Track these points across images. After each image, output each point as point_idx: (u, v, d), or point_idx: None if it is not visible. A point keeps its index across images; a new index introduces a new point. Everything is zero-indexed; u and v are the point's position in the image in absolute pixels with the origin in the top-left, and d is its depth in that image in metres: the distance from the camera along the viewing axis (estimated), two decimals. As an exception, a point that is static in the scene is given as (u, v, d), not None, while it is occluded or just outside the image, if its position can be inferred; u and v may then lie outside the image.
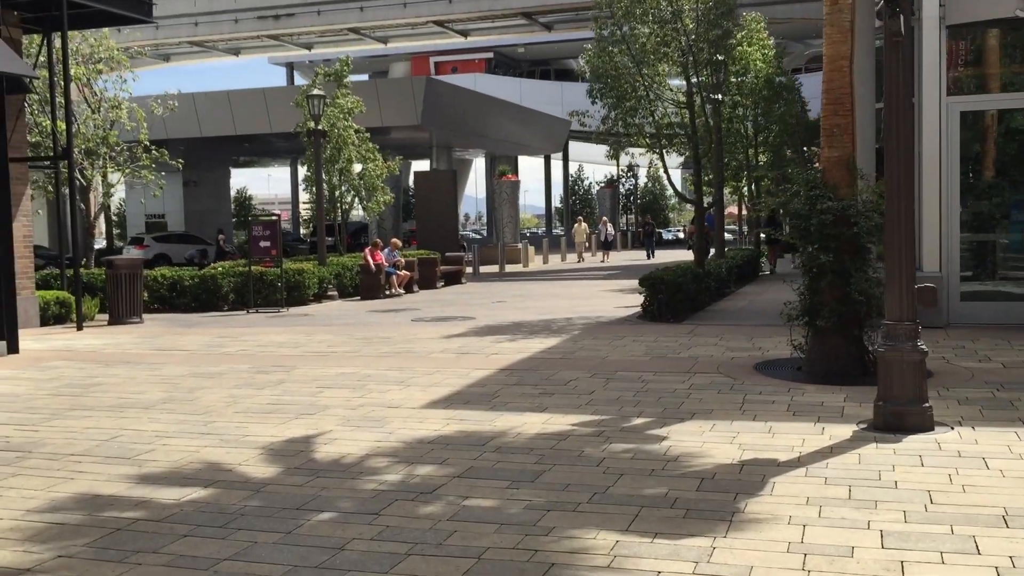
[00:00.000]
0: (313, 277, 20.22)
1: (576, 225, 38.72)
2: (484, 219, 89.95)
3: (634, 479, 5.64)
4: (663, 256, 38.57)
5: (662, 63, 14.83)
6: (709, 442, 6.47)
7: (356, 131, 24.93)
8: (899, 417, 6.57)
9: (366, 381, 9.35)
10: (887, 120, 6.80)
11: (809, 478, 5.56)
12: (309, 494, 5.55)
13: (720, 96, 15.26)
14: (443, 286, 24.51)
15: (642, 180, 63.06)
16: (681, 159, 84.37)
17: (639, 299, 18.54)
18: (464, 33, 38.21)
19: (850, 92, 8.79)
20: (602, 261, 35.76)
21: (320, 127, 21.94)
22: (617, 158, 77.03)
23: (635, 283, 23.45)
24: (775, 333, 11.76)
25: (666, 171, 15.48)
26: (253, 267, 19.13)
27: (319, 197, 22.13)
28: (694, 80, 14.71)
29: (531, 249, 35.88)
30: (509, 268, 32.62)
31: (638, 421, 7.21)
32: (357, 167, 25.42)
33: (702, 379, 8.82)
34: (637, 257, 38.59)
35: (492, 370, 9.75)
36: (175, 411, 8.13)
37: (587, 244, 37.78)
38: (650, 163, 67.64)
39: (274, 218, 19.96)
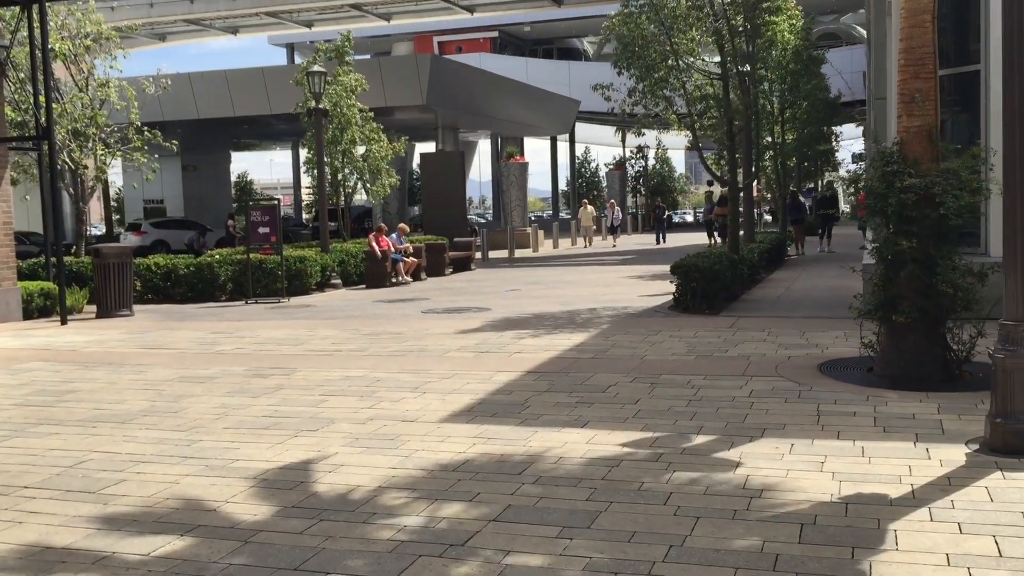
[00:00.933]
0: (315, 265, 19.10)
1: (581, 209, 37.23)
2: (487, 203, 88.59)
3: (715, 524, 4.52)
4: (674, 240, 37.41)
5: (693, 29, 13.63)
6: (794, 469, 5.34)
7: (360, 110, 23.73)
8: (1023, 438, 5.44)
9: (375, 387, 8.23)
10: (1007, 77, 5.62)
11: (937, 523, 4.43)
12: (310, 546, 4.43)
13: (755, 67, 14.00)
14: (452, 273, 23.39)
15: (651, 162, 61.55)
16: (688, 139, 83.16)
17: (664, 287, 17.48)
18: (470, 8, 36.86)
19: (933, 52, 7.59)
20: (613, 246, 34.51)
21: (321, 106, 20.75)
22: (624, 139, 75.59)
23: (657, 269, 22.47)
24: (827, 326, 10.64)
25: (699, 149, 14.24)
26: (252, 255, 18.01)
27: (321, 180, 20.96)
28: (727, 49, 13.50)
29: (540, 233, 34.71)
30: (518, 253, 31.49)
31: (700, 440, 6.08)
32: (361, 148, 24.22)
33: (762, 384, 7.69)
34: (647, 241, 37.40)
35: (517, 372, 8.62)
36: (156, 426, 7.02)
37: (594, 228, 36.48)
38: (659, 144, 66.42)
39: (274, 203, 18.81)
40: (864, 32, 53.17)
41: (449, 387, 8.10)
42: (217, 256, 18.89)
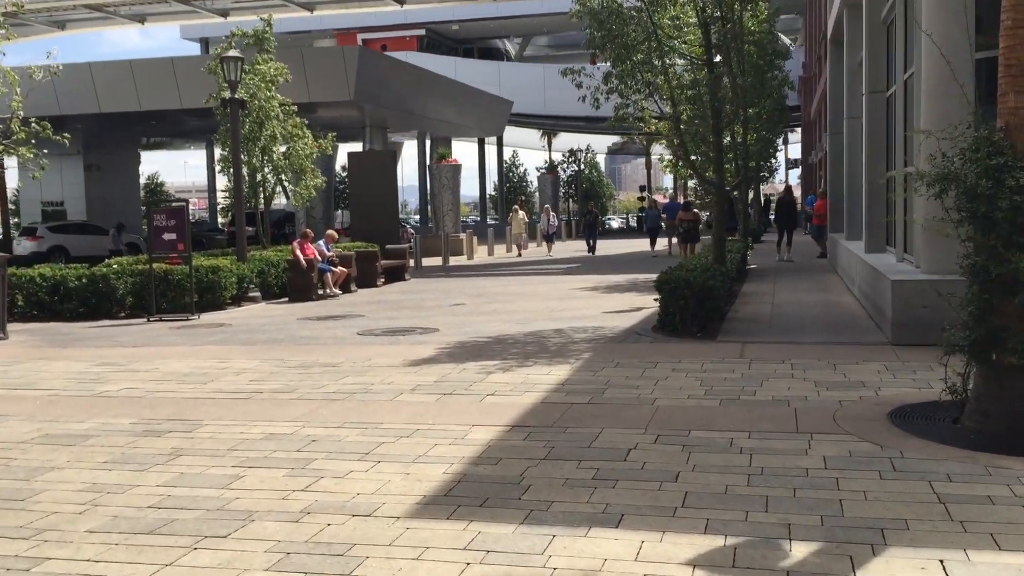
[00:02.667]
0: (231, 276, 16.72)
1: (512, 214, 34.68)
2: (409, 207, 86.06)
3: None
4: (607, 247, 35.69)
5: (674, 6, 11.79)
6: (982, 618, 3.42)
7: (281, 103, 21.35)
8: None
9: (311, 452, 6.09)
10: None
11: None
12: None
13: (741, 52, 12.22)
14: (384, 284, 21.18)
15: (573, 168, 59.72)
16: (619, 141, 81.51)
17: (628, 300, 15.66)
18: (399, 1, 34.57)
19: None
20: (548, 254, 32.34)
21: (237, 96, 18.37)
22: (550, 144, 74.11)
23: (610, 280, 20.60)
24: (856, 355, 8.87)
25: (683, 146, 12.31)
26: (156, 265, 15.57)
27: (237, 179, 18.57)
28: (715, 28, 11.71)
29: (475, 239, 32.65)
30: (453, 261, 29.40)
31: (799, 551, 4.14)
32: (283, 146, 21.82)
33: (831, 446, 5.79)
34: (583, 248, 35.45)
35: (499, 427, 6.58)
36: (-12, 528, 4.78)
37: (526, 235, 33.98)
38: (587, 148, 64.95)
39: (181, 204, 16.38)
40: (788, 40, 52.60)
41: (411, 451, 6.01)
42: (115, 266, 16.36)
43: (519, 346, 10.40)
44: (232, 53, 18.40)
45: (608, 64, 11.83)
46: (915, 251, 10.32)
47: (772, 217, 33.63)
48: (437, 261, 28.39)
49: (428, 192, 35.94)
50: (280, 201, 27.68)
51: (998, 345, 5.84)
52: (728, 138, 19.23)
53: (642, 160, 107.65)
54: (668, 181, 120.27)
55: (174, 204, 17.25)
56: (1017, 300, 5.69)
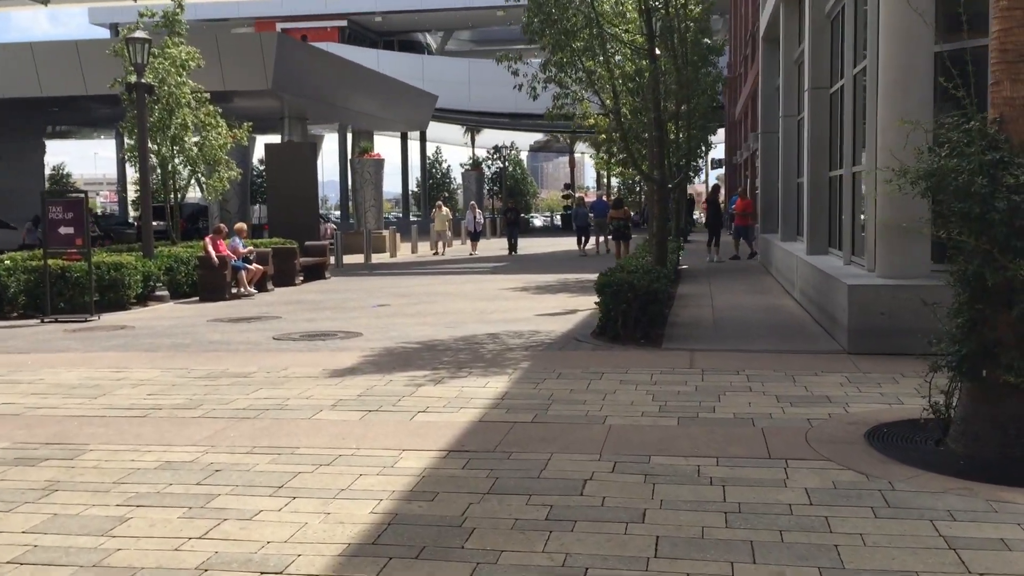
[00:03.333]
0: (136, 273, 15.53)
1: (436, 211, 33.27)
2: (330, 203, 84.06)
3: None
4: (532, 245, 35.14)
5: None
6: None
7: (193, 91, 20.08)
8: None
9: (214, 486, 5.20)
10: None
11: None
12: None
13: (685, 43, 11.55)
14: (303, 282, 20.13)
15: (498, 165, 58.91)
16: (542, 138, 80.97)
17: (560, 302, 14.97)
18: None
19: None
20: (472, 252, 31.33)
21: (144, 80, 17.11)
22: (473, 140, 73.17)
23: (539, 279, 19.86)
24: (813, 365, 8.31)
25: (623, 135, 11.58)
26: (52, 260, 14.31)
27: (143, 170, 17.30)
28: (659, 16, 11.05)
29: (398, 237, 31.64)
30: (375, 258, 28.39)
31: (804, 617, 3.44)
32: (195, 136, 20.53)
33: (812, 476, 5.14)
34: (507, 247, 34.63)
35: (433, 452, 5.77)
36: None
37: (449, 232, 32.89)
38: (511, 144, 64.31)
39: (79, 197, 15.09)
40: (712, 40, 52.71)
41: (333, 483, 5.17)
42: (7, 262, 15.00)
43: (451, 353, 9.60)
44: (139, 34, 17.11)
45: (547, 51, 11.06)
46: (867, 253, 9.83)
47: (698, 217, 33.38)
48: (359, 259, 27.37)
49: (350, 187, 34.74)
50: (195, 194, 26.31)
51: (990, 361, 5.28)
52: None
53: (564, 158, 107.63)
54: (590, 179, 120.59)
55: (71, 195, 15.93)
56: (1015, 311, 5.12)
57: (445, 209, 33.09)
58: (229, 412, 7.03)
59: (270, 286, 18.49)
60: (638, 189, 49.60)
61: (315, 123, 42.05)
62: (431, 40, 71.90)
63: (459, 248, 34.11)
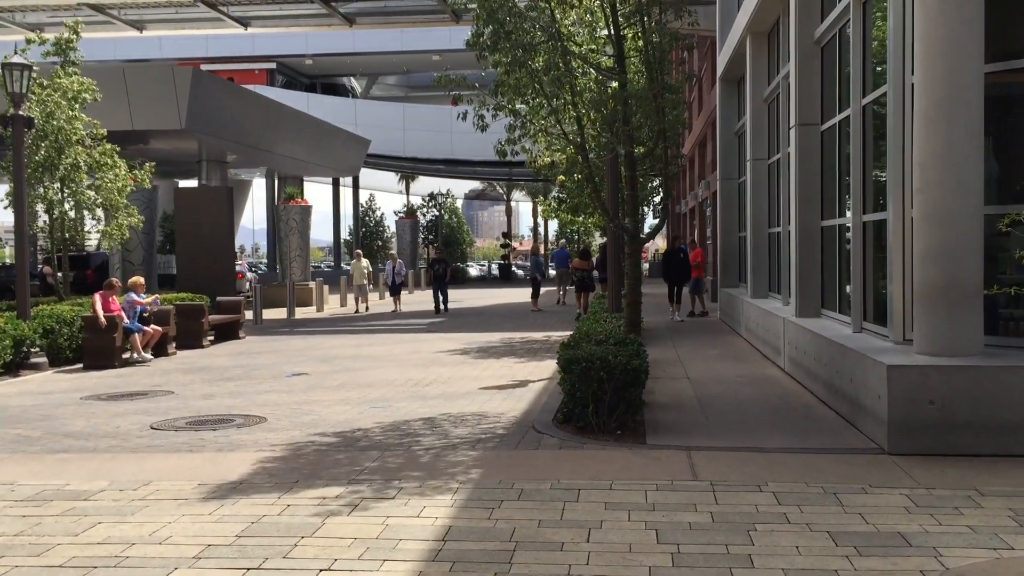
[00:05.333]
0: (5, 338, 13.05)
1: (354, 262, 29.04)
2: (260, 251, 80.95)
3: None
4: (468, 296, 32.90)
5: (581, 4, 9.24)
6: None
7: (88, 128, 17.69)
8: None
9: None
10: None
11: None
12: None
13: (662, 67, 9.68)
14: (213, 343, 17.73)
15: (433, 213, 56.76)
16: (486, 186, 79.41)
17: (505, 369, 12.88)
18: (244, 23, 30.83)
19: None
20: (395, 309, 27.10)
21: (23, 112, 14.73)
22: (407, 187, 71.05)
23: (476, 339, 17.63)
24: (851, 474, 6.33)
25: (589, 173, 9.57)
26: None
27: (19, 216, 14.80)
28: (629, 36, 9.19)
29: (325, 289, 29.20)
30: (300, 313, 25.99)
31: None
32: (88, 179, 18.07)
33: None
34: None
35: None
36: None
37: (369, 285, 28.90)
38: (447, 192, 62.33)
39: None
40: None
41: None
42: None
43: (376, 452, 7.40)
44: (16, 59, 14.76)
45: (498, 71, 9.04)
46: (894, 322, 7.97)
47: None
48: (282, 313, 24.95)
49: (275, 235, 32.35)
50: (105, 243, 23.64)
51: None
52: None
53: (500, 207, 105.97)
54: (526, 228, 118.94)
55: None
56: None
57: (364, 260, 29.63)
58: (61, 559, 4.74)
59: (172, 349, 16.05)
60: (595, 238, 47.66)
61: (240, 167, 39.63)
62: (355, 84, 69.92)
63: (380, 304, 30.96)
